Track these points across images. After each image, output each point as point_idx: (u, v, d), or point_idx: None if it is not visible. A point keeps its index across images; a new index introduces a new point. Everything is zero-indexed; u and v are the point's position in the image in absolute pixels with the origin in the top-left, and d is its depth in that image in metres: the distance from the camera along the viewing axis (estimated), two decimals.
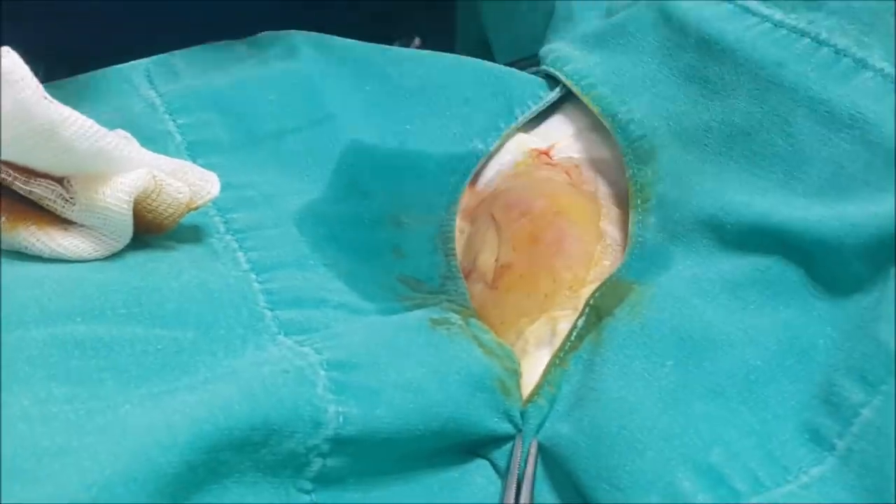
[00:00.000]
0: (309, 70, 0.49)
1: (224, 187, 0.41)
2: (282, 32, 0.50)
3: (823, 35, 0.40)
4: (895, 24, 0.39)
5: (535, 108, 0.49)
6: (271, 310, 0.38)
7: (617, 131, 0.45)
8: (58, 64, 0.45)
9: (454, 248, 0.46)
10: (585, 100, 0.47)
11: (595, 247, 0.44)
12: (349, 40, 0.50)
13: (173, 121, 0.46)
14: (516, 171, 0.48)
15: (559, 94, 0.49)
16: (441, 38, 0.49)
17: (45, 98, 0.34)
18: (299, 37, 0.50)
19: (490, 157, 0.49)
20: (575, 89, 0.48)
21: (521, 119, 0.49)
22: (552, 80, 0.50)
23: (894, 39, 0.38)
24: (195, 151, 0.44)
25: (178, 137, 0.45)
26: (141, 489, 0.29)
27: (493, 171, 0.49)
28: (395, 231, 0.46)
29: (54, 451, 0.29)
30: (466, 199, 0.48)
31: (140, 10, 0.60)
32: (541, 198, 0.46)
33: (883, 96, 0.37)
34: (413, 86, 0.49)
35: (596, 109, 0.46)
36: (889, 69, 0.38)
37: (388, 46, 0.51)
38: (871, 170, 0.37)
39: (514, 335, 0.42)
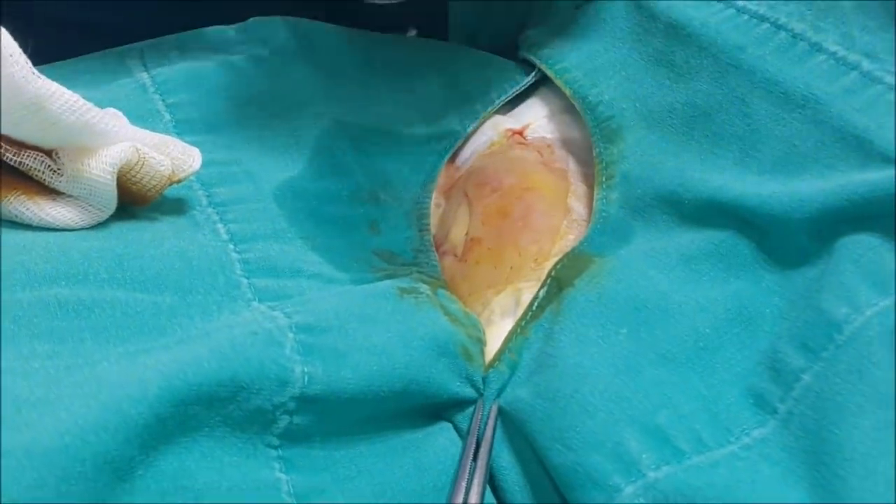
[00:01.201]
0: (293, 56, 0.51)
1: (208, 163, 0.43)
2: (269, 18, 0.52)
3: (782, 20, 0.41)
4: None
5: (512, 92, 0.51)
6: (247, 278, 0.40)
7: (587, 112, 0.47)
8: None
9: (428, 224, 0.48)
10: (558, 83, 0.49)
11: (561, 222, 0.45)
12: (333, 25, 0.52)
13: (162, 100, 0.47)
14: (490, 151, 0.50)
15: (535, 78, 0.51)
16: (436, 31, 0.50)
17: (33, 73, 0.36)
18: (285, 23, 0.52)
19: (467, 138, 0.51)
20: (549, 73, 0.49)
21: (498, 102, 0.51)
22: (529, 65, 0.51)
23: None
24: (182, 129, 0.46)
25: (167, 116, 0.47)
26: (111, 438, 0.30)
27: (469, 150, 0.51)
28: (373, 207, 0.48)
29: (33, 402, 0.30)
30: (443, 176, 0.50)
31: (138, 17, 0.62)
32: (511, 175, 0.47)
33: (835, 78, 0.39)
34: (395, 70, 0.51)
35: (568, 92, 0.48)
36: (842, 53, 0.39)
37: (371, 32, 0.53)
38: (821, 148, 0.38)
39: (482, 305, 0.44)
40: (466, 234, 0.47)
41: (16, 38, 0.36)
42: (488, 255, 0.45)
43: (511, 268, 0.44)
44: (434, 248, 0.47)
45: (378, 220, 0.47)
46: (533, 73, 0.51)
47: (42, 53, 0.39)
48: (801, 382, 0.35)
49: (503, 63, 0.52)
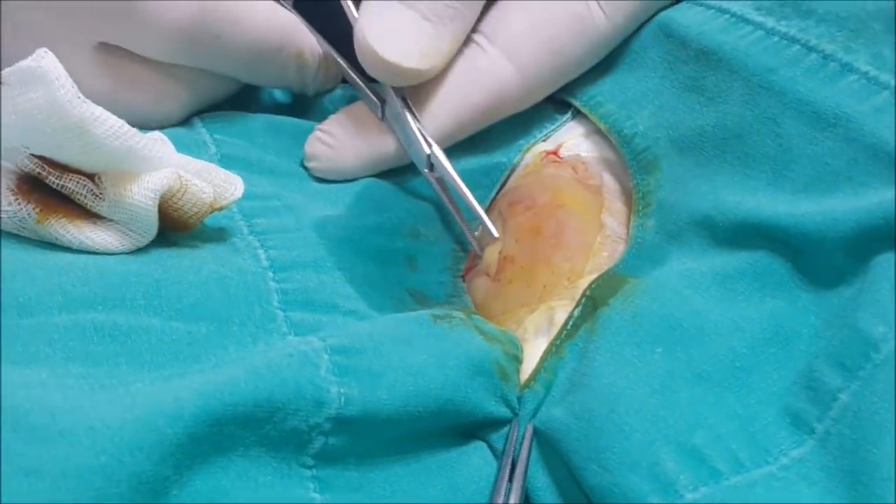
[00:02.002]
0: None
1: (250, 196, 0.43)
2: None
3: (813, 41, 0.41)
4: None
5: (552, 128, 0.52)
6: (283, 310, 0.40)
7: (623, 146, 0.47)
8: None
9: (462, 269, 0.49)
10: (593, 118, 0.49)
11: (594, 238, 0.45)
12: None
13: (210, 135, 0.49)
14: (525, 172, 0.50)
15: (571, 117, 0.52)
16: None
17: (79, 97, 0.36)
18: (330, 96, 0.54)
19: (512, 170, 0.51)
20: (583, 109, 0.50)
21: (540, 137, 0.52)
22: (564, 105, 0.52)
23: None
24: (227, 163, 0.47)
25: (213, 148, 0.48)
26: (146, 458, 0.30)
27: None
28: (412, 242, 0.48)
29: (67, 409, 0.30)
30: None
31: None
32: (545, 193, 0.48)
33: (866, 97, 0.39)
34: None
35: (603, 126, 0.48)
36: (873, 73, 0.39)
37: None
38: (853, 166, 0.38)
39: (514, 324, 0.44)
40: (500, 252, 0.47)
41: None
42: (521, 273, 0.45)
43: (544, 286, 0.44)
44: (467, 291, 0.48)
45: (416, 255, 0.48)
46: (569, 112, 0.52)
47: None
48: (838, 402, 0.34)
49: (539, 108, 0.52)
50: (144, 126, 0.47)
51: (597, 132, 0.50)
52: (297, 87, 0.54)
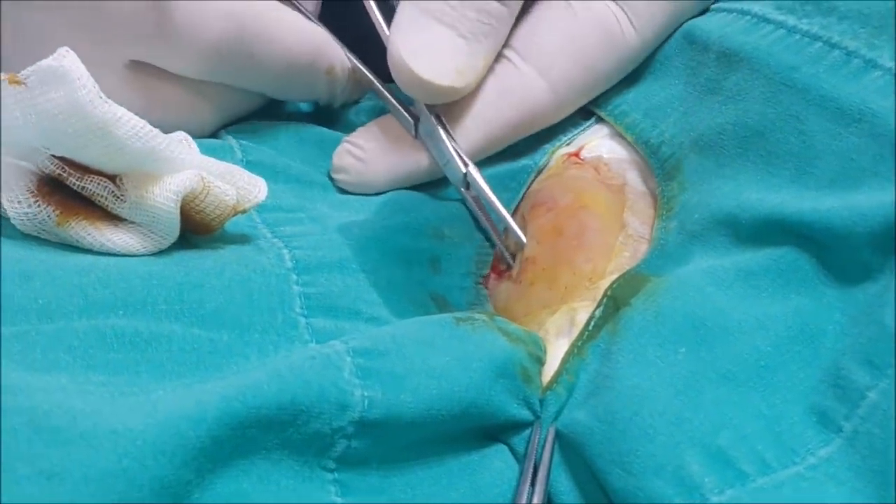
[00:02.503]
0: None
1: (274, 209, 0.44)
2: None
3: (835, 38, 0.41)
4: None
5: (577, 132, 0.52)
6: (305, 317, 0.40)
7: (650, 156, 0.47)
8: None
9: (484, 274, 0.49)
10: (619, 128, 0.49)
11: (616, 239, 0.45)
12: None
13: (237, 141, 0.49)
14: (548, 175, 0.50)
15: (595, 123, 0.52)
16: None
17: (101, 98, 0.36)
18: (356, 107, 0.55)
19: (538, 173, 0.51)
20: (608, 119, 0.50)
21: (564, 140, 0.51)
22: (587, 113, 0.52)
23: None
24: (252, 170, 0.46)
25: (239, 154, 0.48)
26: (169, 461, 0.30)
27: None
28: (437, 243, 0.48)
29: (88, 412, 0.30)
30: None
31: None
32: (566, 194, 0.48)
33: (891, 93, 0.38)
34: None
35: (630, 138, 0.49)
36: None
37: None
38: (879, 161, 0.37)
39: (536, 326, 0.44)
40: (521, 253, 0.47)
41: None
42: (543, 275, 0.45)
43: (566, 287, 0.44)
44: (488, 296, 0.48)
45: (440, 257, 0.48)
46: (593, 119, 0.52)
47: None
48: (866, 400, 0.34)
49: None
50: None
51: (619, 133, 0.50)
52: (324, 100, 0.54)
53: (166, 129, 0.38)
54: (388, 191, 0.50)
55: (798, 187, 0.40)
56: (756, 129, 0.42)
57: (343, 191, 0.50)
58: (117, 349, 0.34)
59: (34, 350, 0.33)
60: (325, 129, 0.53)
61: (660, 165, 0.46)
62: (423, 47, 0.46)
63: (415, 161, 0.50)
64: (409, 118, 0.49)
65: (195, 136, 0.47)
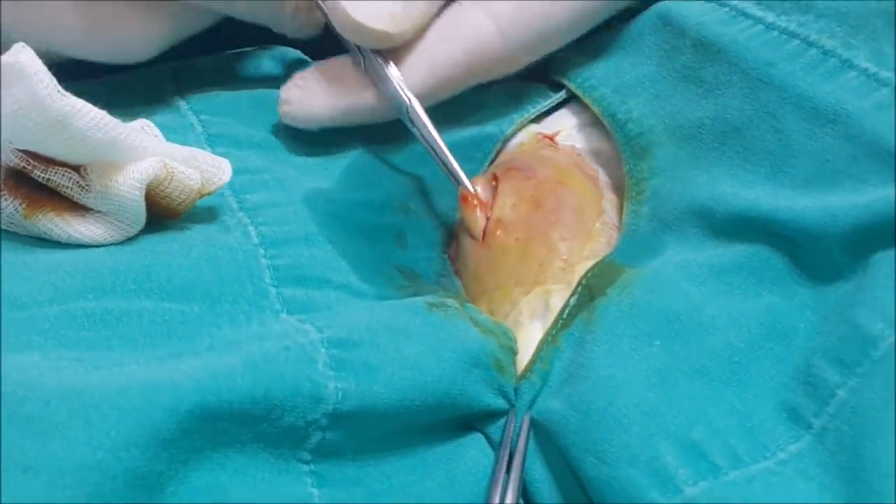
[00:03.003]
0: None
1: (239, 171, 0.43)
2: (301, 56, 0.54)
3: (813, 37, 0.41)
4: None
5: (545, 104, 0.51)
6: (276, 287, 0.40)
7: (616, 129, 0.47)
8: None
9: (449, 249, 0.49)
10: (587, 101, 0.49)
11: (594, 223, 0.45)
12: None
13: (196, 116, 0.48)
14: (521, 149, 0.50)
15: (565, 95, 0.51)
16: None
17: (59, 91, 0.36)
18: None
19: (504, 144, 0.51)
20: (577, 91, 0.49)
21: (533, 112, 0.51)
22: (559, 86, 0.51)
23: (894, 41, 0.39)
24: (214, 142, 0.46)
25: (200, 129, 0.47)
26: (142, 453, 0.31)
27: (501, 155, 0.51)
28: (402, 217, 0.48)
29: (61, 393, 0.30)
30: None
31: None
32: (546, 167, 0.47)
33: (866, 94, 0.38)
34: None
35: (597, 110, 0.48)
36: (873, 69, 0.39)
37: None
38: (853, 162, 0.38)
39: (510, 305, 0.44)
40: (490, 213, 0.47)
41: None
42: (516, 245, 0.45)
43: (539, 264, 0.44)
44: (454, 268, 0.48)
45: (405, 231, 0.48)
46: (563, 91, 0.51)
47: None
48: (836, 398, 0.34)
49: (533, 85, 0.52)
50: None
51: (590, 124, 0.50)
52: (275, 23, 0.52)
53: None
54: (336, 125, 0.49)
55: (773, 185, 0.40)
56: (734, 124, 0.42)
57: (307, 151, 0.49)
58: (88, 327, 0.35)
59: (7, 336, 0.33)
60: None
61: (626, 142, 0.46)
62: None
63: (358, 96, 0.48)
64: (359, 54, 0.48)
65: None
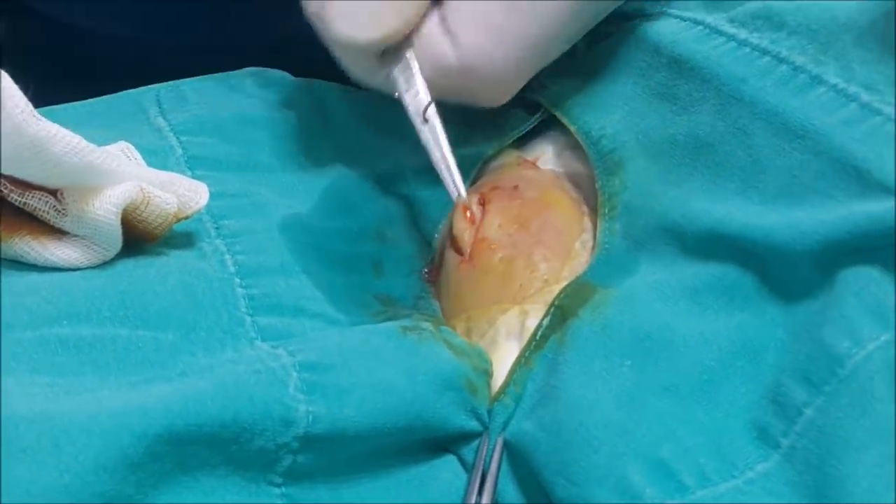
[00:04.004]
0: (307, 117, 0.51)
1: (218, 196, 0.43)
2: (284, 75, 0.54)
3: (783, 53, 0.41)
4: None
5: (523, 128, 0.51)
6: (251, 315, 0.40)
7: (590, 146, 0.47)
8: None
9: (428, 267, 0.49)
10: (562, 118, 0.49)
11: (575, 243, 0.45)
12: (341, 86, 0.53)
13: (176, 138, 0.48)
14: (503, 170, 0.50)
15: (542, 117, 0.51)
16: None
17: (34, 116, 0.36)
18: (301, 81, 0.53)
19: (483, 165, 0.51)
20: (553, 109, 0.49)
21: (513, 134, 0.51)
22: (536, 107, 0.51)
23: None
24: (193, 164, 0.47)
25: (179, 151, 0.47)
26: (110, 477, 0.31)
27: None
28: (379, 245, 0.48)
29: (30, 418, 0.30)
30: None
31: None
32: (532, 188, 0.47)
33: (835, 109, 0.39)
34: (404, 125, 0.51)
35: (572, 127, 0.48)
36: (842, 85, 0.39)
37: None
38: (820, 178, 0.38)
39: (487, 324, 0.44)
40: (477, 230, 0.46)
41: (16, 81, 0.36)
42: (499, 265, 0.45)
43: (520, 285, 0.44)
44: (433, 291, 0.48)
45: (382, 260, 0.48)
46: (540, 112, 0.51)
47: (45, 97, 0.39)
48: (803, 416, 0.34)
49: (510, 109, 0.51)
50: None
51: (569, 148, 0.50)
52: None
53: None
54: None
55: (743, 200, 0.40)
56: (706, 140, 0.42)
57: (288, 170, 0.49)
58: (62, 353, 0.35)
59: None
60: (268, 105, 0.52)
61: (600, 158, 0.46)
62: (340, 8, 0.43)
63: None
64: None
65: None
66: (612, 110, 0.47)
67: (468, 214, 0.47)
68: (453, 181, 0.46)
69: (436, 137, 0.46)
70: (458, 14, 0.44)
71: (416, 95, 0.46)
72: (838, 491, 0.32)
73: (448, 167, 0.46)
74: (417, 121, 0.46)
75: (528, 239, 0.45)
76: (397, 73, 0.46)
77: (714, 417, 0.36)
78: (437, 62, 0.45)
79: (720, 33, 0.44)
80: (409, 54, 0.46)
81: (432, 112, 0.46)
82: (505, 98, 0.47)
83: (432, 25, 0.45)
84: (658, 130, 0.45)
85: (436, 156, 0.46)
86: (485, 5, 0.43)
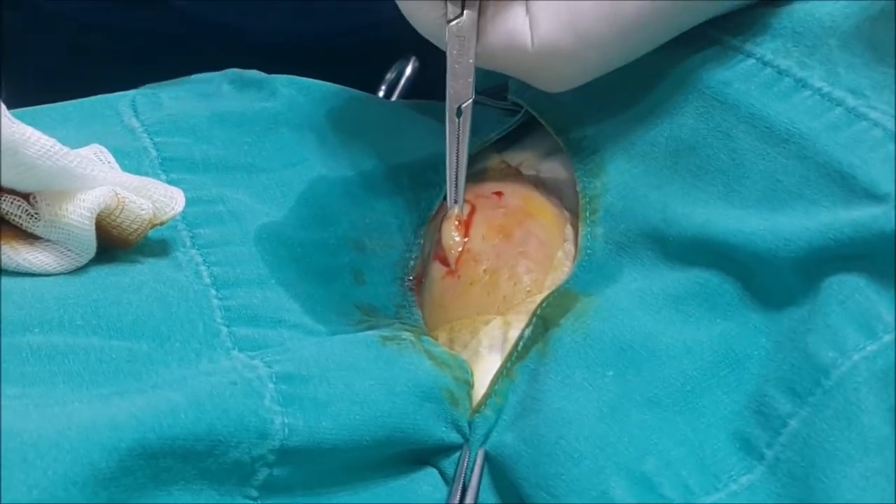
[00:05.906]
0: (286, 115, 0.51)
1: (194, 202, 0.42)
2: (263, 75, 0.53)
3: (768, 56, 0.41)
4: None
5: (503, 129, 0.50)
6: (227, 326, 0.39)
7: (570, 148, 0.46)
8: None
9: (410, 276, 0.48)
10: (543, 121, 0.48)
11: (557, 252, 0.45)
12: (323, 83, 0.52)
13: (150, 139, 0.47)
14: (486, 175, 0.50)
15: (523, 118, 0.50)
16: (439, 60, 0.50)
17: (8, 118, 0.35)
18: (280, 80, 0.52)
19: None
20: (534, 112, 0.49)
21: (494, 136, 0.50)
22: (517, 107, 0.51)
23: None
24: (168, 167, 0.46)
25: (154, 153, 0.46)
26: (80, 492, 0.30)
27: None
28: (358, 256, 0.47)
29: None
30: None
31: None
32: (516, 196, 0.47)
33: (820, 114, 0.38)
34: (385, 125, 0.51)
35: (552, 130, 0.48)
36: (827, 89, 0.39)
37: (361, 92, 0.54)
38: (804, 183, 0.37)
39: (469, 334, 0.43)
40: (464, 243, 0.46)
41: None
42: (483, 277, 0.44)
43: (504, 297, 0.44)
44: (416, 300, 0.47)
45: (363, 269, 0.47)
46: (521, 114, 0.50)
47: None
48: (788, 428, 0.34)
49: (491, 111, 0.52)
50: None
51: (552, 153, 0.49)
52: None
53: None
54: None
55: (725, 204, 0.39)
56: (688, 142, 0.42)
57: (265, 171, 0.48)
58: (33, 362, 0.34)
59: None
60: (246, 105, 0.51)
61: (580, 160, 0.46)
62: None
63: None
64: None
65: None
66: (592, 112, 0.46)
67: (458, 225, 0.46)
68: (456, 189, 0.46)
69: (462, 137, 0.45)
70: (544, 3, 0.42)
71: (459, 80, 0.44)
72: None
73: (458, 173, 0.46)
74: (451, 110, 0.45)
75: (512, 250, 0.45)
76: (454, 30, 0.43)
77: (697, 429, 0.36)
78: (512, 41, 0.42)
79: (704, 36, 0.43)
80: (472, 21, 0.43)
81: (467, 108, 0.45)
82: (561, 90, 0.45)
83: (516, 2, 0.43)
84: (638, 132, 0.44)
85: (452, 156, 0.46)
86: (575, 6, 0.41)
